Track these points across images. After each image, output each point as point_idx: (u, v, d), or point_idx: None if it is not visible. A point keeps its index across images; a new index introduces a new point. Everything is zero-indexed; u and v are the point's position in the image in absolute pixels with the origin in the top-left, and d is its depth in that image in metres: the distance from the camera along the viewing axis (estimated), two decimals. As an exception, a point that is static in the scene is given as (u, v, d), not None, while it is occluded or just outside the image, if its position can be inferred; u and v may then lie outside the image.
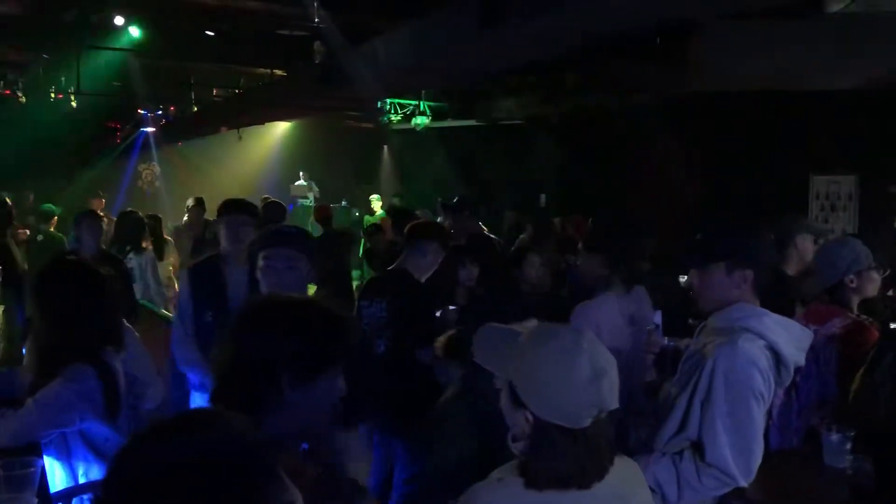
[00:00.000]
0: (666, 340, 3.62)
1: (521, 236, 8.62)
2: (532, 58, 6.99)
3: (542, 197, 11.86)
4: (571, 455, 1.58)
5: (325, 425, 1.67)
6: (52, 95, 12.01)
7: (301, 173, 15.45)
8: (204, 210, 7.85)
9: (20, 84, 11.74)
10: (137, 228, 6.01)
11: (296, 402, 1.57)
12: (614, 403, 1.61)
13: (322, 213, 8.60)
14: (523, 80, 9.84)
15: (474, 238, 5.57)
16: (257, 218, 3.77)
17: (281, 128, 16.68)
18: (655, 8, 4.88)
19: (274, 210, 6.86)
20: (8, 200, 6.17)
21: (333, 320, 1.67)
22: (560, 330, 1.70)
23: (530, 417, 1.60)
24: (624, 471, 1.69)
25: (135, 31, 9.22)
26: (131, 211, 6.53)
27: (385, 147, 16.83)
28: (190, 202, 8.13)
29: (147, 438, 1.05)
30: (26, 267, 5.99)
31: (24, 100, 11.86)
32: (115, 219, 6.76)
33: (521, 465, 1.63)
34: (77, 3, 8.52)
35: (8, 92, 11.98)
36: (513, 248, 7.49)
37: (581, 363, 1.58)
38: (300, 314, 1.66)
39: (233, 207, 3.77)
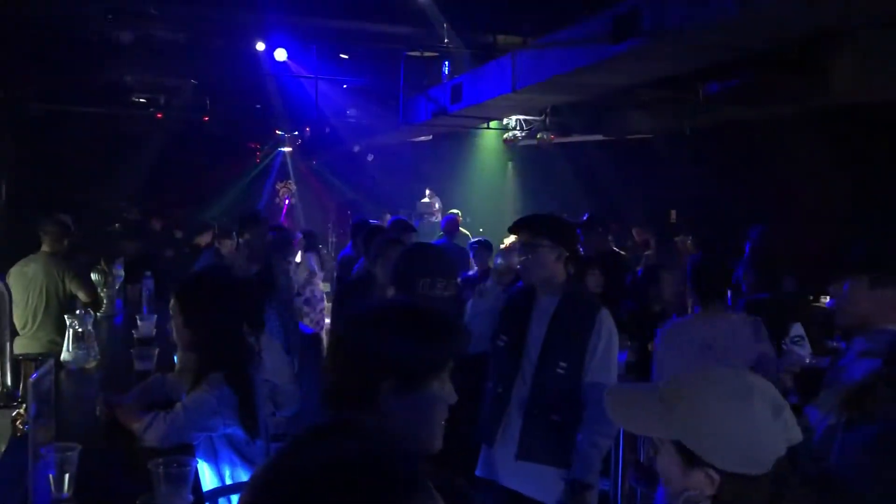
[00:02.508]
0: (808, 359, 3.43)
1: (648, 252, 8.43)
2: (666, 72, 6.83)
3: (673, 213, 11.54)
4: (759, 502, 1.44)
5: (430, 437, 1.61)
6: (199, 118, 12.79)
7: (427, 190, 15.71)
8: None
9: (171, 107, 12.54)
10: None
11: (399, 410, 1.54)
12: (799, 436, 1.47)
13: (448, 226, 8.76)
14: (653, 94, 9.64)
15: (604, 255, 5.50)
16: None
17: (409, 146, 17.07)
18: (798, 17, 4.66)
19: (399, 227, 7.00)
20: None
21: (438, 325, 1.62)
22: (716, 373, 1.56)
23: (714, 475, 1.44)
24: None
25: (281, 55, 9.65)
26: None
27: (510, 163, 16.87)
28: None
29: (304, 443, 1.09)
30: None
31: (174, 123, 12.71)
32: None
33: None
34: (223, 30, 9.06)
35: (160, 115, 12.82)
36: (640, 266, 7.35)
37: (758, 403, 1.44)
38: (405, 319, 1.61)
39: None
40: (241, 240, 5.09)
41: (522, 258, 3.06)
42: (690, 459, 1.46)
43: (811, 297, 6.51)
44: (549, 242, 3.02)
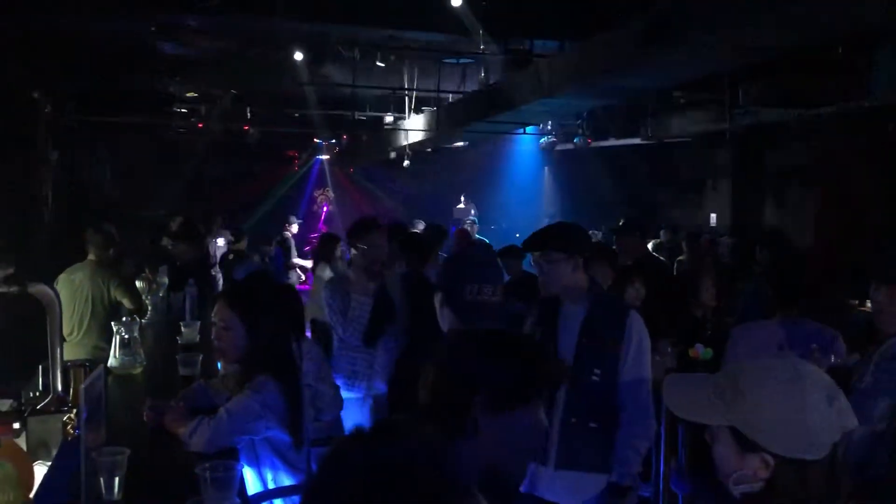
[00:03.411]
0: (833, 358, 3.40)
1: (681, 258, 8.33)
2: (702, 74, 6.76)
3: (713, 217, 11.41)
4: (815, 488, 1.47)
5: (517, 461, 1.65)
6: (239, 127, 13.00)
7: (462, 197, 15.75)
8: None
9: (212, 117, 12.75)
10: None
11: (489, 430, 1.56)
12: (854, 421, 1.50)
13: (458, 236, 8.88)
14: (691, 96, 9.55)
15: (643, 259, 5.46)
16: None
17: (445, 151, 17.13)
18: (839, 17, 4.57)
19: (433, 233, 7.02)
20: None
21: (537, 353, 1.68)
22: (770, 362, 1.59)
23: (770, 459, 1.47)
24: None
25: (318, 64, 9.78)
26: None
27: (546, 168, 16.83)
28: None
29: (351, 445, 1.12)
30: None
31: (214, 132, 12.93)
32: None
33: None
34: (263, 41, 9.18)
35: (201, 125, 13.04)
36: (677, 271, 7.26)
37: (811, 388, 1.48)
38: (504, 343, 1.68)
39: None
40: (353, 251, 4.26)
41: (540, 275, 3.07)
42: (746, 445, 1.49)
43: (857, 302, 6.40)
44: (561, 255, 3.02)
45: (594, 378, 2.96)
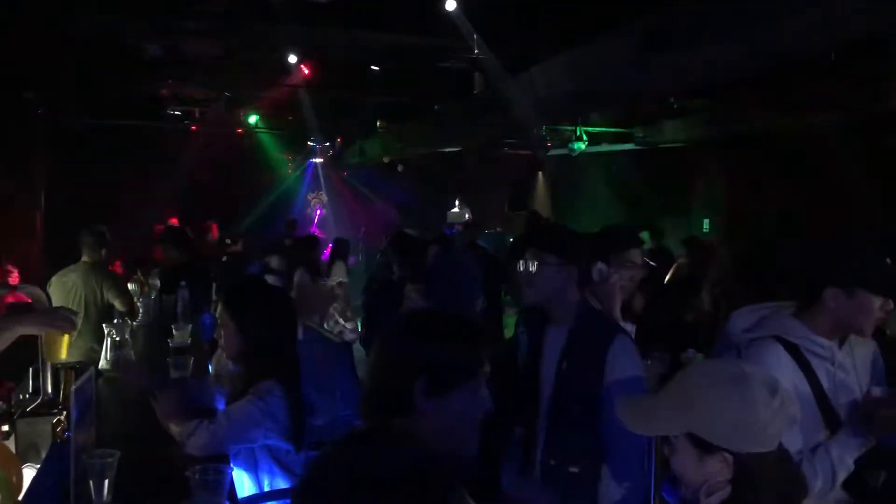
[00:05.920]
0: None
1: (681, 261, 8.33)
2: (699, 81, 6.76)
3: (706, 222, 11.44)
4: (780, 478, 1.56)
5: (463, 441, 1.63)
6: (233, 130, 12.99)
7: (457, 201, 15.76)
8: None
9: (204, 120, 12.72)
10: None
11: (429, 411, 1.56)
12: (798, 411, 1.60)
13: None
14: (687, 103, 9.57)
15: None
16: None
17: (440, 156, 17.14)
18: (842, 23, 4.56)
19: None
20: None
21: (472, 332, 1.66)
22: (709, 365, 1.72)
23: (729, 457, 1.56)
24: None
25: (306, 69, 9.82)
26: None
27: (540, 173, 16.84)
28: None
29: (340, 450, 1.11)
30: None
31: (206, 135, 12.93)
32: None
33: None
34: (259, 44, 9.17)
35: (194, 128, 13.01)
36: (675, 275, 7.25)
37: (754, 384, 1.56)
38: (438, 324, 1.66)
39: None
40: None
41: (525, 280, 2.62)
42: (704, 448, 1.58)
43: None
44: (554, 259, 2.59)
45: (574, 415, 2.51)
